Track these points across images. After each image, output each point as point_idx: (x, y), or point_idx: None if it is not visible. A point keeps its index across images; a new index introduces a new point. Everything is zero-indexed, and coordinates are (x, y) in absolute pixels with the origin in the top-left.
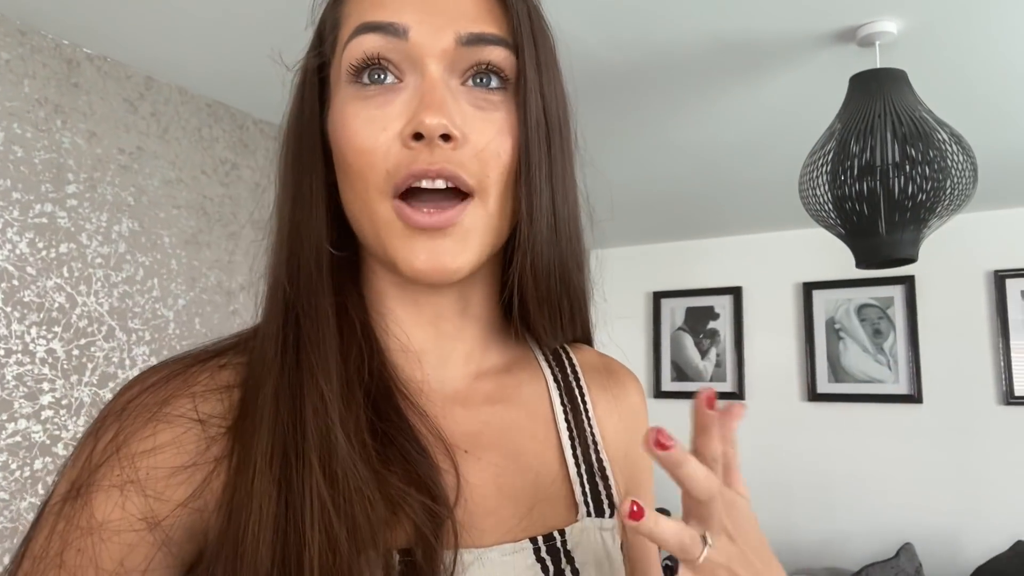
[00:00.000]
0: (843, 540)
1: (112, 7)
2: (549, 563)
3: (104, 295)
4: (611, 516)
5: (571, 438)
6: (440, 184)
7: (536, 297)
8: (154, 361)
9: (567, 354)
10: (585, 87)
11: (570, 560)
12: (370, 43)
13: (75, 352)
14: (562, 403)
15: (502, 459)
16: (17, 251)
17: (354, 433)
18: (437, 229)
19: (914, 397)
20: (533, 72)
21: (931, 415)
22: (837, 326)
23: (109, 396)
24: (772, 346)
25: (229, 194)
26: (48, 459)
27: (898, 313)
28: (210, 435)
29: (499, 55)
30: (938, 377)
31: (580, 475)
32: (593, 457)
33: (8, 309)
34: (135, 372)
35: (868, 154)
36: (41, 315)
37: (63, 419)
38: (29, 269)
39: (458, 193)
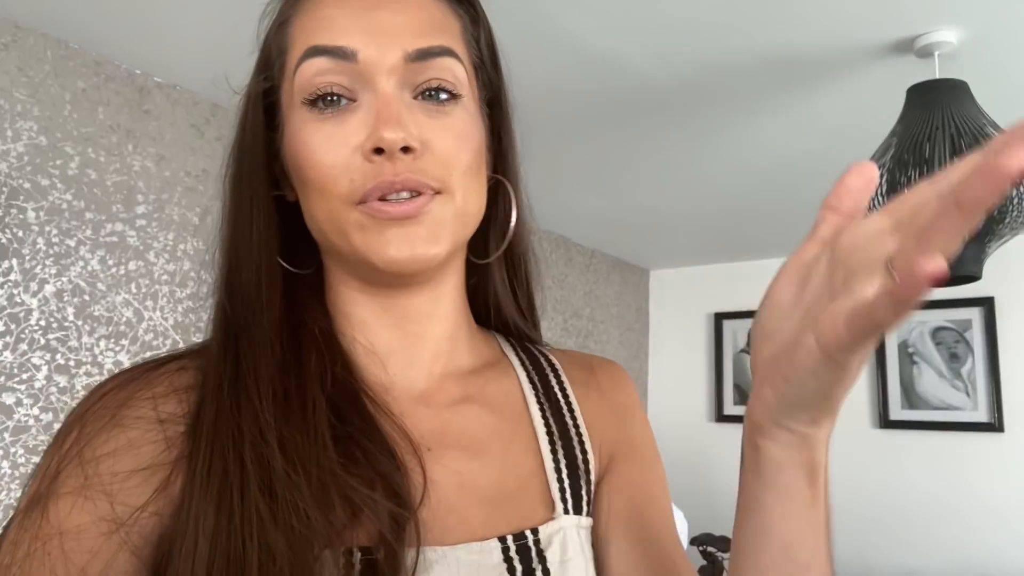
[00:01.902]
0: None
1: (181, 39)
2: (517, 563)
3: (169, 310)
4: (589, 514)
5: (549, 435)
6: (405, 195)
7: (514, 284)
8: None
9: (545, 356)
10: (633, 105)
11: (542, 559)
12: (319, 66)
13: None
14: (538, 401)
15: (467, 457)
16: (89, 268)
17: (310, 440)
18: (409, 218)
19: (994, 426)
20: (485, 73)
21: (1014, 445)
22: (911, 350)
23: None
24: None
25: None
26: None
27: (976, 336)
28: (169, 436)
29: (447, 65)
30: (1021, 405)
31: (559, 472)
32: (578, 453)
33: (80, 323)
34: None
35: (926, 167)
36: (110, 329)
37: None
38: (100, 285)
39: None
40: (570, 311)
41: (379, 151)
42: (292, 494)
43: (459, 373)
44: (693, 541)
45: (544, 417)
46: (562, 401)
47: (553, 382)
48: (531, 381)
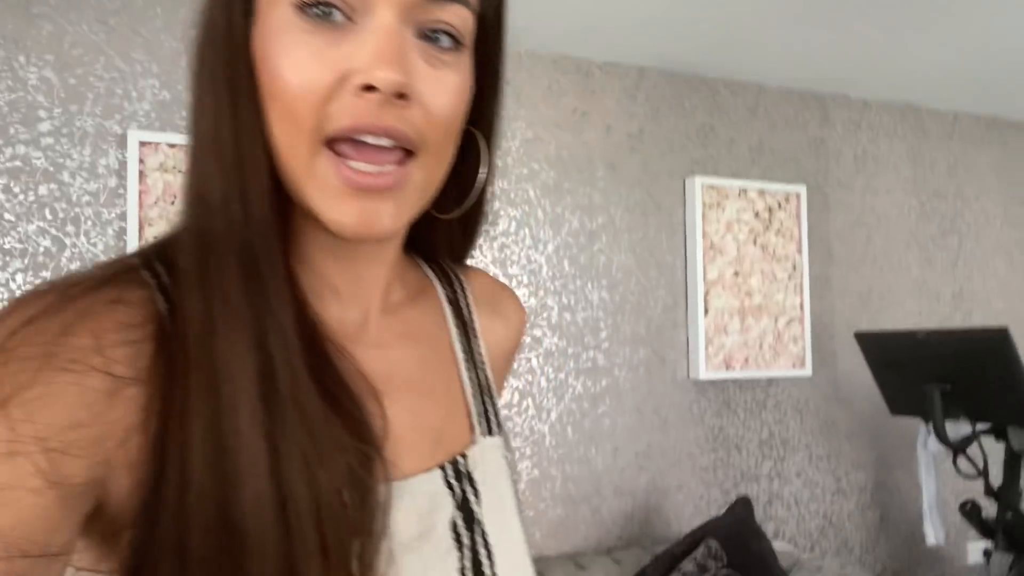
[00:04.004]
0: None
1: None
2: (456, 487)
3: (486, 248)
4: (499, 434)
5: (466, 360)
6: (385, 142)
7: (464, 232)
8: (534, 302)
9: (458, 278)
10: None
11: (471, 481)
12: None
13: None
14: (456, 326)
15: (416, 396)
16: None
17: (296, 380)
18: (381, 190)
19: None
20: (494, 37)
21: None
22: None
23: None
24: None
25: (581, 141)
26: None
27: None
28: (121, 389)
29: (459, 15)
30: None
31: (476, 396)
32: (481, 377)
33: None
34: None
35: None
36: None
37: None
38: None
39: (398, 148)
40: (928, 191)
41: (370, 89)
42: (293, 435)
43: (394, 308)
44: None
45: (461, 341)
46: (469, 324)
47: (463, 304)
48: (450, 303)
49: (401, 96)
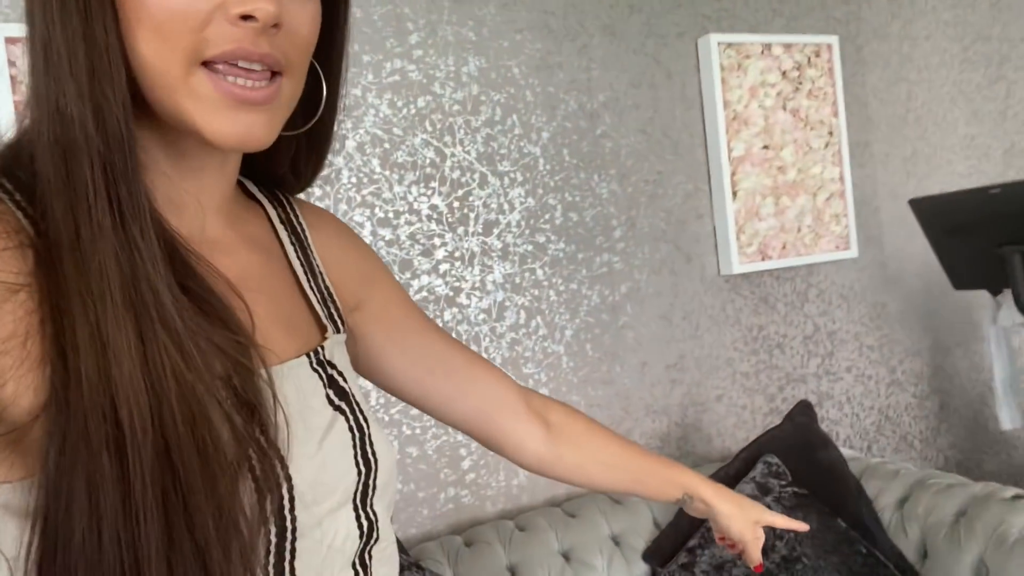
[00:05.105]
0: None
1: None
2: (322, 372)
3: (468, 142)
4: (343, 331)
5: (304, 270)
6: (257, 67)
7: (319, 154)
8: (532, 203)
9: (288, 200)
10: None
11: (333, 367)
12: None
13: (455, 204)
14: (292, 242)
15: (268, 297)
16: (380, 114)
17: (163, 285)
18: (257, 104)
19: None
20: None
21: None
22: None
23: (497, 243)
24: None
25: (571, 2)
26: (455, 310)
27: None
28: (4, 289)
29: None
30: None
31: (319, 300)
32: (322, 284)
33: (387, 172)
34: (516, 216)
35: None
36: (416, 173)
37: (459, 270)
38: (395, 130)
39: (267, 69)
40: (972, 35)
41: (248, 18)
42: (165, 336)
43: (232, 219)
44: None
45: (297, 253)
46: (304, 238)
47: (295, 222)
48: (281, 221)
49: (275, 25)
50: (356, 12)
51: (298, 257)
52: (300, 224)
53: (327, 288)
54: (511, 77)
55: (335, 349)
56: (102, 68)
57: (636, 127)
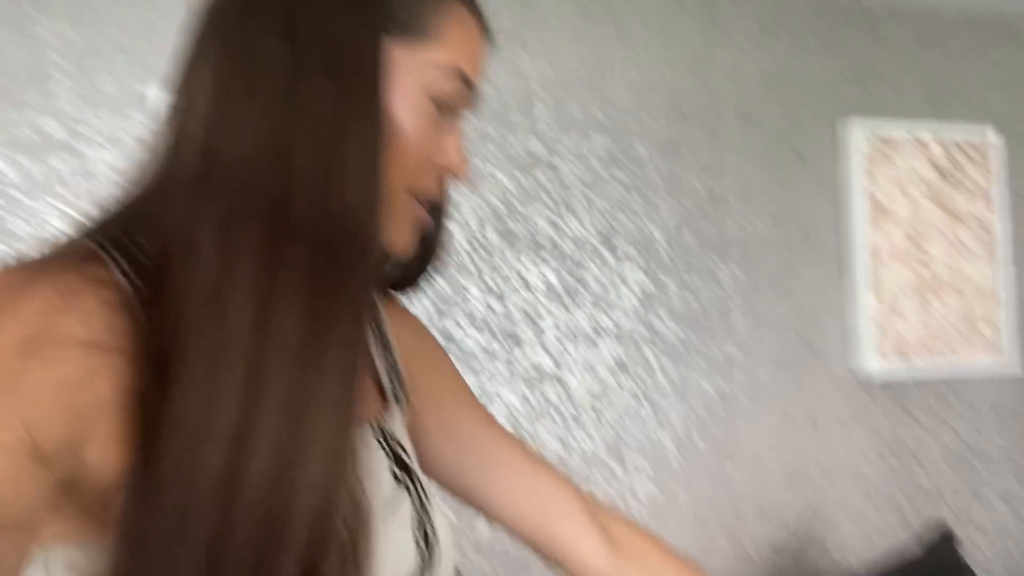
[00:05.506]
0: None
1: None
2: (384, 443)
3: (587, 218)
4: (405, 408)
5: (375, 337)
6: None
7: (430, 260)
8: (648, 283)
9: None
10: None
11: (395, 440)
12: (459, 89)
13: (567, 279)
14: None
15: None
16: (500, 185)
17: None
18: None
19: None
20: None
21: None
22: None
23: (608, 321)
24: None
25: (705, 86)
26: (560, 387)
27: None
28: (100, 359)
29: None
30: None
31: (385, 373)
32: (390, 359)
33: (500, 243)
34: (630, 296)
35: None
36: (530, 245)
37: (566, 347)
38: (513, 201)
39: None
40: None
41: (450, 172)
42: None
43: None
44: None
45: (372, 326)
46: (377, 309)
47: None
48: None
49: None
50: (485, 87)
51: (370, 323)
52: (378, 307)
53: (394, 360)
54: (635, 156)
55: (396, 423)
56: (361, 159)
57: (766, 212)
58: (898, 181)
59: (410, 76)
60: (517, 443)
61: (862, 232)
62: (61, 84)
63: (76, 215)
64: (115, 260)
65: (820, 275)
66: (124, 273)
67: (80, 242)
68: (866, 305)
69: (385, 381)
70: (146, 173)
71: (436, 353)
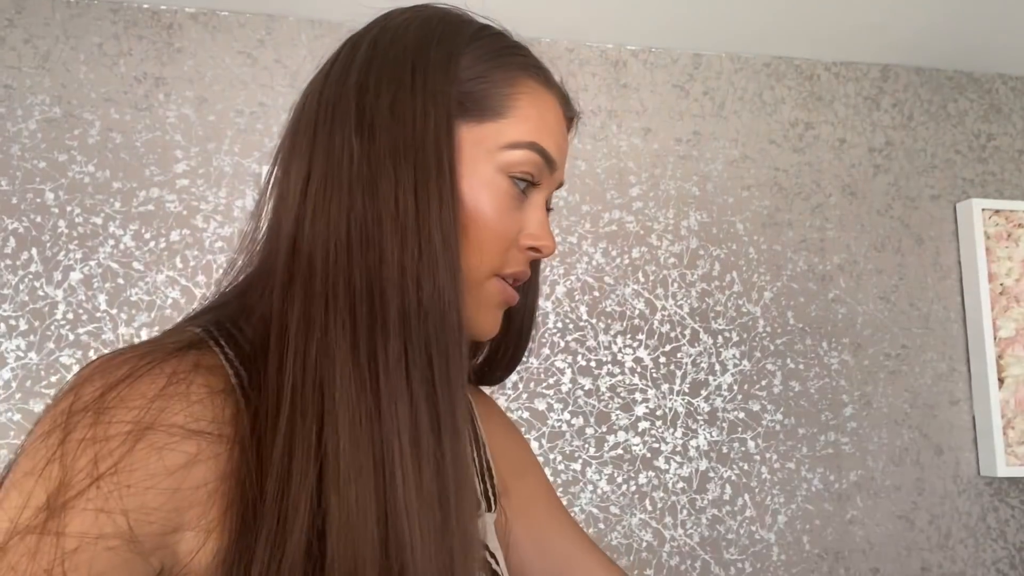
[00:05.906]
0: None
1: None
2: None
3: (683, 297)
4: (495, 511)
5: (470, 438)
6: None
7: (519, 350)
8: (747, 366)
9: None
10: None
11: (485, 546)
12: (534, 161)
13: (661, 359)
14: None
15: None
16: (593, 262)
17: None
18: (511, 304)
19: None
20: None
21: None
22: None
23: (704, 405)
24: None
25: (806, 160)
26: (652, 473)
27: None
28: (202, 449)
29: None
30: None
31: (478, 475)
32: (483, 458)
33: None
34: (728, 379)
35: None
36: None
37: (660, 431)
38: (607, 278)
39: None
40: None
41: (536, 251)
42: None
43: None
44: None
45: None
46: (471, 409)
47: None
48: None
49: None
50: (581, 165)
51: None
52: (469, 400)
53: (488, 462)
54: (734, 233)
55: (487, 528)
56: (452, 246)
57: (877, 294)
58: None
59: (484, 157)
60: (604, 558)
61: (987, 318)
62: (182, 163)
63: (191, 286)
64: (220, 346)
65: (942, 363)
66: (228, 360)
67: (189, 326)
68: (995, 398)
69: (477, 482)
70: (251, 259)
71: (526, 457)
